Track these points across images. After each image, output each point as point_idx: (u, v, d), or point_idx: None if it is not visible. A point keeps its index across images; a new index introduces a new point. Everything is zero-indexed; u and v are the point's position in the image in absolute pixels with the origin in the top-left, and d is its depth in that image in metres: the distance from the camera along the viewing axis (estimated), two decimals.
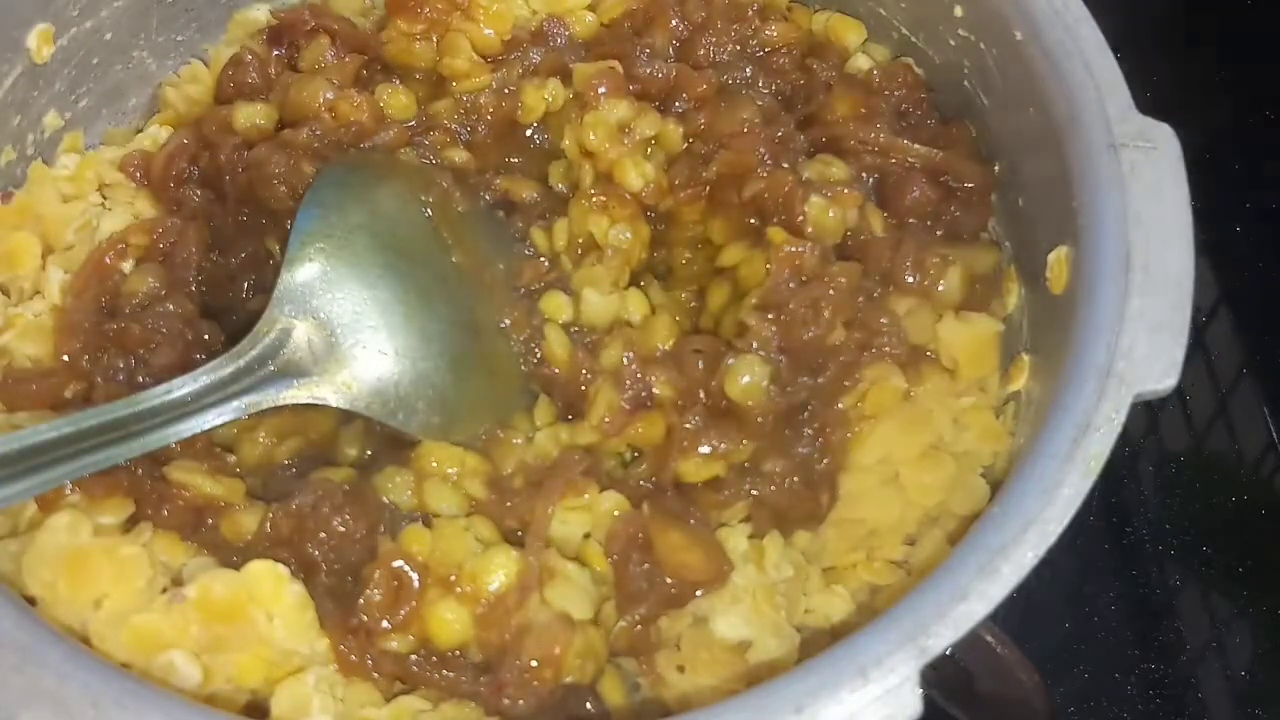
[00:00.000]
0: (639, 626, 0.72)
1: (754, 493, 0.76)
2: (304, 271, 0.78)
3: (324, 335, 0.77)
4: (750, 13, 0.93)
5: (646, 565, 0.73)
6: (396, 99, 0.88)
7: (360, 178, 0.82)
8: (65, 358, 0.80)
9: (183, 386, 0.72)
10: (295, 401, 0.75)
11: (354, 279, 0.79)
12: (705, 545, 0.73)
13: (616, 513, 0.75)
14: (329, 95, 0.86)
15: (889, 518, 0.77)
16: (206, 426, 0.72)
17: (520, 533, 0.74)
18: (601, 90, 0.86)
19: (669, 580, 0.73)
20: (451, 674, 0.70)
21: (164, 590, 0.70)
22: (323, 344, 0.76)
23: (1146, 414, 1.06)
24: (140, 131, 0.94)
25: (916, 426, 0.78)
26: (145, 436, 0.70)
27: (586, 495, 0.75)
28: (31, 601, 0.69)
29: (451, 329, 0.81)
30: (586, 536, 0.75)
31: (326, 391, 0.76)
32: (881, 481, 0.78)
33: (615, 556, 0.73)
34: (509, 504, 0.75)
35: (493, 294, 0.83)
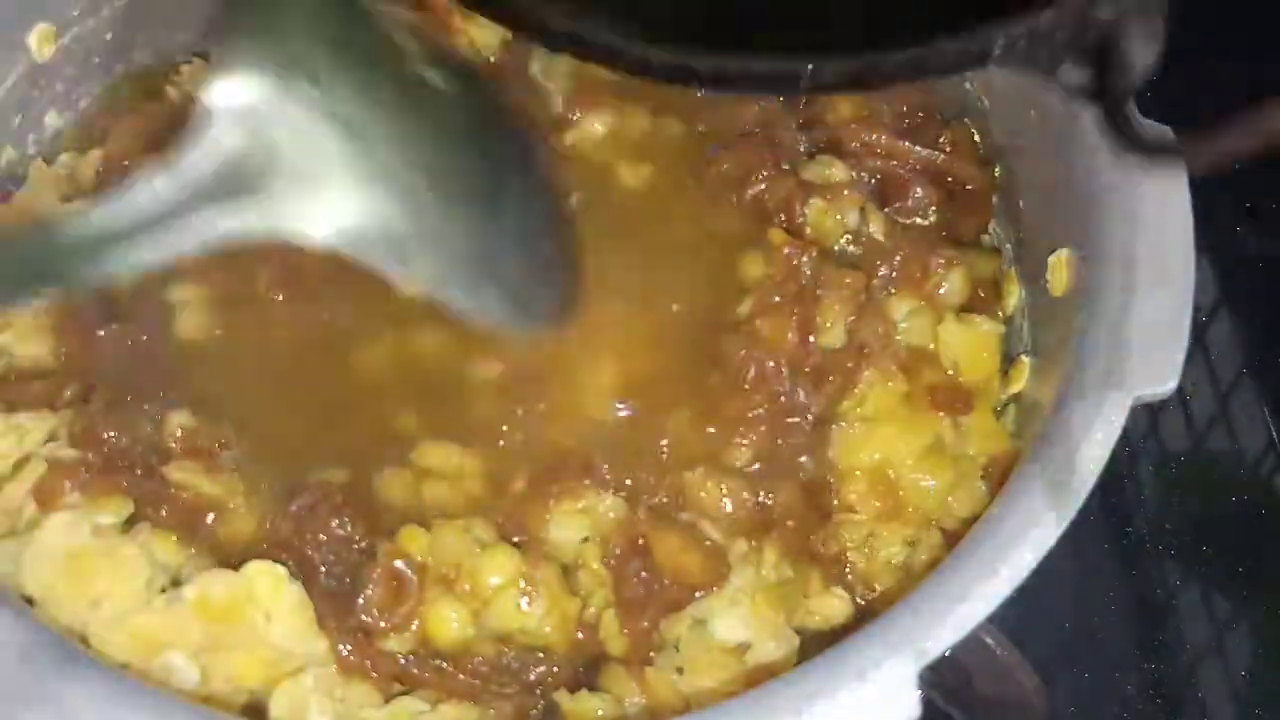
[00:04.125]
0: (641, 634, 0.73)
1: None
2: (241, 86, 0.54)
3: (287, 154, 0.54)
4: None
5: (644, 572, 0.73)
6: None
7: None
8: (63, 358, 0.81)
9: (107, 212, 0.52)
10: (256, 232, 0.53)
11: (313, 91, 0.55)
12: (703, 547, 0.73)
13: (613, 515, 0.75)
14: None
15: (889, 520, 0.77)
16: (141, 263, 0.52)
17: (518, 537, 0.74)
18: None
19: (667, 583, 0.73)
20: (451, 674, 0.71)
21: (163, 590, 0.70)
22: (284, 164, 0.54)
23: (1147, 415, 1.06)
24: None
25: (916, 428, 0.78)
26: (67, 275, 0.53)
27: (583, 501, 0.75)
28: (30, 602, 0.69)
29: (463, 170, 0.62)
30: (585, 540, 0.75)
31: (296, 219, 0.54)
32: (881, 483, 0.78)
33: (613, 562, 0.73)
34: (508, 506, 0.75)
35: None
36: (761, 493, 0.76)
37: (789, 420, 0.77)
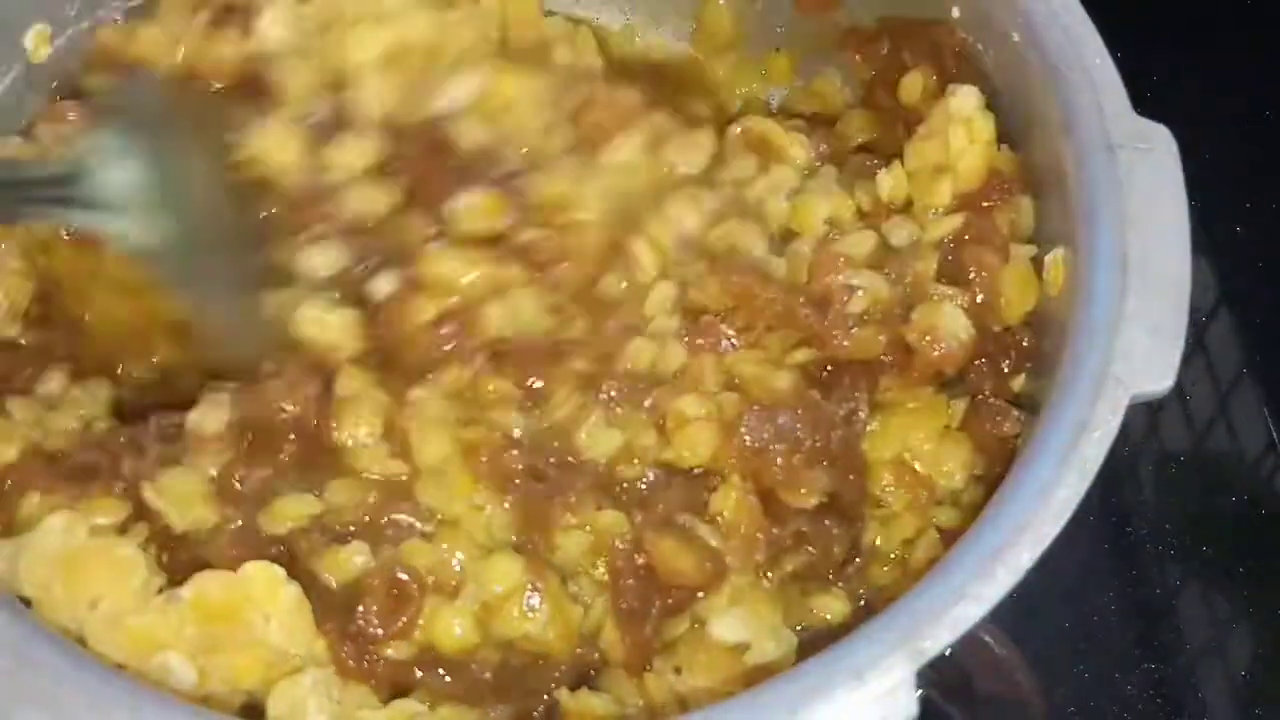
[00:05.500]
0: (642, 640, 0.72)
1: None
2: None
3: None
4: None
5: (642, 580, 0.72)
6: None
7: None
8: None
9: None
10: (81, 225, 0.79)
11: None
12: (699, 550, 0.73)
13: (614, 528, 0.74)
14: None
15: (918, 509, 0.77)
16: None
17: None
18: None
19: (666, 589, 0.73)
20: (450, 680, 0.71)
21: (160, 591, 0.70)
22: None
23: (1146, 414, 1.06)
24: None
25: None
26: None
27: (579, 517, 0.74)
28: (27, 603, 0.68)
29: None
30: (584, 553, 0.74)
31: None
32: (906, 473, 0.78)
33: (611, 574, 0.73)
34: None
35: None
36: None
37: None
